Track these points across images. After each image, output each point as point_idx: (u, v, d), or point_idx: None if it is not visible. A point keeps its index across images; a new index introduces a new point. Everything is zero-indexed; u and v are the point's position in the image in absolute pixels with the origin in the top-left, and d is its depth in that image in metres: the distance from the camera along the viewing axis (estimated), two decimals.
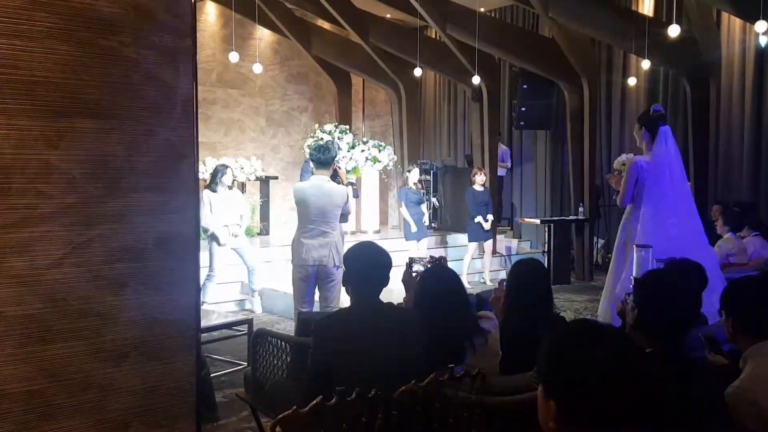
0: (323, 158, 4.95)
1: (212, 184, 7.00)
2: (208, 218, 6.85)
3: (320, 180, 4.95)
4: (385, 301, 2.72)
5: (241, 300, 7.66)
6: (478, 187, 8.82)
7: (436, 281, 2.89)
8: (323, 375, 2.48)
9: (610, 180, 5.03)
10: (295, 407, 1.85)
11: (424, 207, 8.83)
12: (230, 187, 7.17)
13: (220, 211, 6.93)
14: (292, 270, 5.03)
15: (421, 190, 8.90)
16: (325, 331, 2.58)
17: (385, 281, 2.70)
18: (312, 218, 4.89)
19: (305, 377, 2.69)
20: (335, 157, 5.20)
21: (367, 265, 2.68)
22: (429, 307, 2.77)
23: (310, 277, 4.91)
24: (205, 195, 6.92)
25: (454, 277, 2.96)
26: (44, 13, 1.75)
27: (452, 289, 2.85)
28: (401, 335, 2.56)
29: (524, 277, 3.04)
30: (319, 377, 2.52)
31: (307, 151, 10.45)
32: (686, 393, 1.91)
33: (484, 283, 8.94)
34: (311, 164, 5.24)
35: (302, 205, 4.95)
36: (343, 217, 5.25)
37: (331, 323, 2.66)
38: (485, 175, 9.04)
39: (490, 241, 9.03)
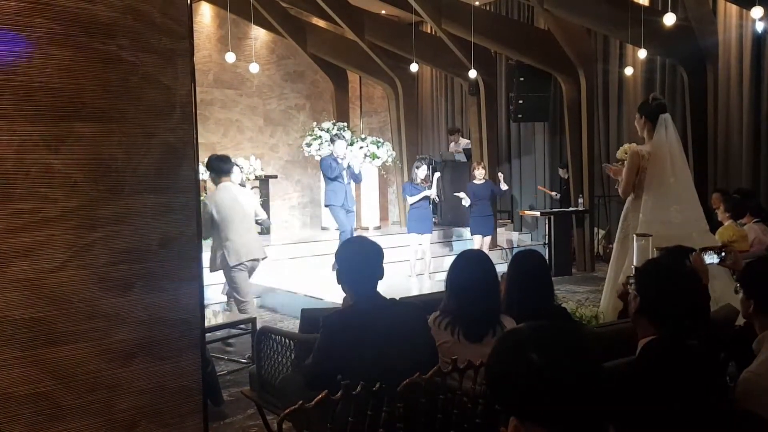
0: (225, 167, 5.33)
1: None
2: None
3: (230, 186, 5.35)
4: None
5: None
6: (478, 181, 8.85)
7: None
8: (325, 377, 2.46)
9: (608, 170, 5.00)
10: (301, 402, 1.86)
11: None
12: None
13: None
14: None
15: (425, 185, 8.87)
16: (335, 333, 2.51)
17: (381, 273, 2.67)
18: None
19: (305, 372, 2.66)
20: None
21: (363, 261, 2.64)
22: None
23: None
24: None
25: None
26: (42, 18, 1.77)
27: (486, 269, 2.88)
28: (408, 329, 2.56)
29: (524, 269, 3.04)
30: (319, 378, 2.51)
31: (306, 149, 10.49)
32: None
33: None
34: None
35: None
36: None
37: (340, 324, 2.56)
38: (484, 168, 9.06)
39: (489, 237, 9.05)
